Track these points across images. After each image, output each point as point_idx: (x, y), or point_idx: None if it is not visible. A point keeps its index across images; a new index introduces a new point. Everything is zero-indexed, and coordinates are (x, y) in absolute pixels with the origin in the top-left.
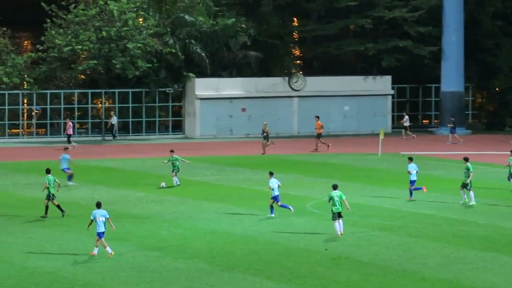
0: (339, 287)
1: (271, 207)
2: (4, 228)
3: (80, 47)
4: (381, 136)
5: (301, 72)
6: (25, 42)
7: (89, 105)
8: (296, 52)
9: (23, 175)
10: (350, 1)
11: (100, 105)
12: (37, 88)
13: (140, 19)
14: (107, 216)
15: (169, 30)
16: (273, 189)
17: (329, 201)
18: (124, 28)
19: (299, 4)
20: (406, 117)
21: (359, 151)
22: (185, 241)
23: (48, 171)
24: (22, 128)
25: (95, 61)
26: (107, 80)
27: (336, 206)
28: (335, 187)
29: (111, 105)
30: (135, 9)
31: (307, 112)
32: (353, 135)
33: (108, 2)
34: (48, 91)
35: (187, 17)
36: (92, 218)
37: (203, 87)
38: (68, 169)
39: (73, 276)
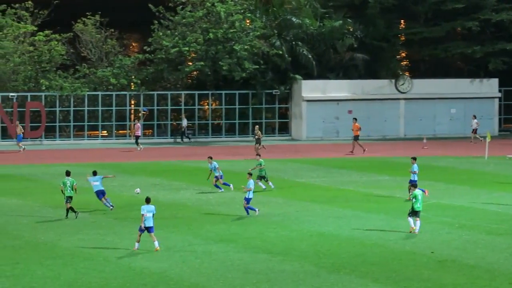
0: None
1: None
2: (111, 229)
3: (187, 48)
4: (488, 139)
5: (407, 75)
6: (133, 43)
7: (196, 106)
8: (402, 54)
9: (130, 176)
10: (457, 4)
11: (207, 106)
12: (144, 89)
13: (247, 21)
14: (154, 211)
15: (276, 32)
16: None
17: (413, 199)
18: (231, 30)
19: (406, 7)
20: (475, 120)
21: (465, 154)
22: (291, 242)
23: (68, 173)
24: (129, 129)
25: (202, 63)
26: (214, 82)
27: (417, 204)
28: (415, 186)
29: (218, 107)
30: (242, 11)
31: (414, 114)
32: (460, 137)
33: (215, 3)
34: (155, 93)
35: (294, 19)
36: (142, 213)
37: (310, 89)
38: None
39: (179, 277)
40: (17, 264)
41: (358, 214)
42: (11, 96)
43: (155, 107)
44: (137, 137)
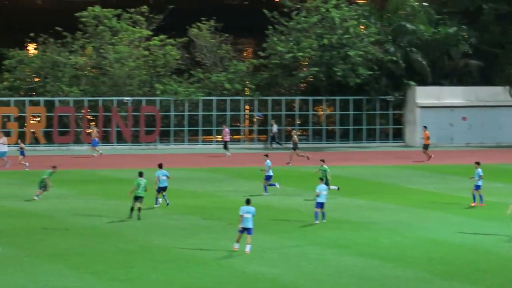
0: None
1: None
2: (224, 234)
3: (301, 54)
4: None
5: None
6: (247, 48)
7: (310, 112)
8: None
9: (244, 181)
10: None
11: (321, 112)
12: (258, 94)
13: (362, 27)
14: (254, 213)
15: (390, 38)
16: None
17: None
18: (346, 36)
19: None
20: None
21: None
22: (404, 249)
23: (140, 174)
24: (243, 134)
25: (317, 68)
26: (328, 87)
27: None
28: None
29: (332, 113)
30: (356, 17)
31: None
32: None
33: (330, 9)
34: (269, 98)
35: (408, 25)
36: (240, 214)
37: (424, 95)
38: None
39: (292, 283)
40: (131, 268)
41: (471, 221)
42: (126, 100)
43: (269, 113)
44: (225, 143)
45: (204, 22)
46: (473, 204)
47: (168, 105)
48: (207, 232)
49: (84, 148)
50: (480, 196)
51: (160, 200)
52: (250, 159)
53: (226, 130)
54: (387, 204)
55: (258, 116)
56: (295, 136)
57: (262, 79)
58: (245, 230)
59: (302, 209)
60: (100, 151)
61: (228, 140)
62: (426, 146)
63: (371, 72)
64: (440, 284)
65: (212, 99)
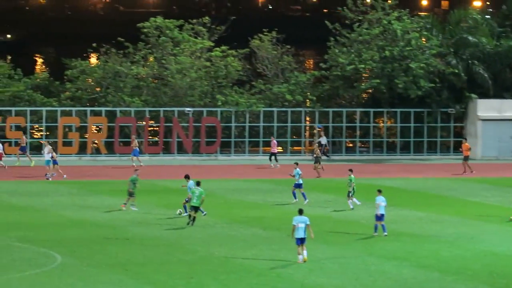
0: None
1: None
2: (284, 245)
3: (363, 66)
4: None
5: None
6: (308, 60)
7: (371, 124)
8: None
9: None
10: None
11: (382, 124)
12: (319, 106)
13: (423, 39)
14: (308, 223)
15: (452, 50)
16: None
17: None
18: (407, 48)
19: None
20: None
21: None
22: (465, 262)
23: (198, 184)
24: (304, 146)
25: (378, 80)
26: (389, 100)
27: None
28: None
29: (393, 125)
30: (418, 29)
31: None
32: None
33: (392, 21)
34: (330, 109)
35: (470, 37)
36: (293, 224)
37: (485, 108)
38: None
39: None
40: (191, 278)
41: None
42: (187, 111)
43: (330, 124)
44: (272, 154)
45: (266, 33)
46: None
47: (229, 116)
48: (266, 243)
49: (146, 158)
50: None
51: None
52: (310, 170)
53: (274, 141)
54: (447, 217)
55: (319, 128)
56: (318, 150)
57: (323, 91)
58: (301, 240)
59: (363, 221)
60: (141, 162)
61: (276, 152)
62: (466, 158)
63: (433, 85)
64: None
65: (273, 110)
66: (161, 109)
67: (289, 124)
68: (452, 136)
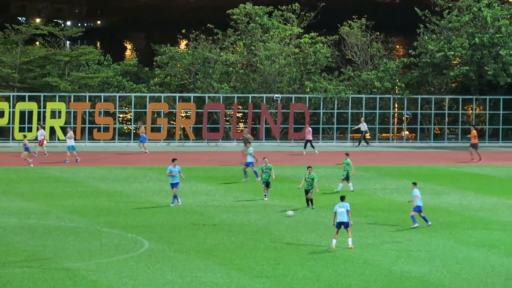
0: None
1: (413, 217)
2: (372, 231)
3: (452, 53)
4: None
5: None
6: (398, 46)
7: (460, 111)
8: None
9: (392, 180)
10: None
11: (471, 111)
12: (408, 93)
13: None
14: (348, 208)
15: None
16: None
17: None
18: (497, 35)
19: None
20: None
21: None
22: None
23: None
24: (392, 133)
25: (467, 68)
26: (478, 87)
27: None
28: None
29: (482, 112)
30: (508, 16)
31: None
32: None
33: (482, 8)
34: (419, 96)
35: None
36: (334, 211)
37: None
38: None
39: (439, 282)
40: (278, 264)
41: None
42: (276, 97)
43: (419, 111)
44: (308, 141)
45: (355, 20)
46: None
47: (318, 102)
48: (354, 230)
49: (233, 145)
50: None
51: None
52: (398, 157)
53: (309, 129)
54: None
55: (407, 115)
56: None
57: (412, 78)
58: (342, 224)
59: (451, 208)
60: (147, 150)
61: (311, 139)
62: (474, 145)
63: None
64: None
65: (361, 97)
66: (250, 95)
67: (377, 111)
68: None
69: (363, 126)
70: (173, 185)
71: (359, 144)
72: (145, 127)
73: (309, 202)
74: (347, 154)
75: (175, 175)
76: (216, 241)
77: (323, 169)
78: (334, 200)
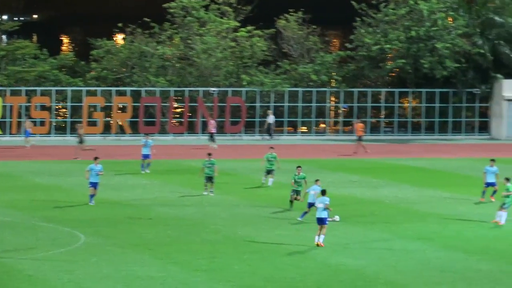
0: None
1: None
2: (308, 225)
3: (389, 46)
4: None
5: None
6: (334, 40)
7: (396, 104)
8: None
9: (328, 173)
10: None
11: (407, 104)
12: (344, 86)
13: (450, 19)
14: (326, 202)
15: (478, 30)
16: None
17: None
18: (433, 28)
19: None
20: None
21: None
22: (489, 242)
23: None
24: (328, 126)
25: (404, 61)
26: (414, 80)
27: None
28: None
29: (418, 105)
30: (444, 9)
31: None
32: None
33: (418, 1)
34: (355, 90)
35: (497, 18)
36: (315, 205)
37: (511, 88)
38: None
39: (375, 275)
40: (214, 258)
41: None
42: (212, 91)
43: (355, 104)
44: (211, 134)
45: (292, 13)
46: None
47: (254, 96)
48: (291, 223)
49: (169, 138)
50: None
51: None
52: (335, 150)
53: (212, 122)
54: (472, 197)
55: (344, 108)
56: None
57: (348, 71)
58: (320, 220)
59: (387, 201)
60: (32, 143)
61: (215, 132)
62: (359, 138)
63: (458, 65)
64: None
65: (298, 90)
66: (186, 89)
67: (313, 104)
68: (477, 116)
69: (270, 119)
70: (93, 184)
71: (271, 137)
72: (31, 122)
73: (292, 203)
74: (272, 148)
75: (96, 174)
76: (152, 235)
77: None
78: (270, 193)
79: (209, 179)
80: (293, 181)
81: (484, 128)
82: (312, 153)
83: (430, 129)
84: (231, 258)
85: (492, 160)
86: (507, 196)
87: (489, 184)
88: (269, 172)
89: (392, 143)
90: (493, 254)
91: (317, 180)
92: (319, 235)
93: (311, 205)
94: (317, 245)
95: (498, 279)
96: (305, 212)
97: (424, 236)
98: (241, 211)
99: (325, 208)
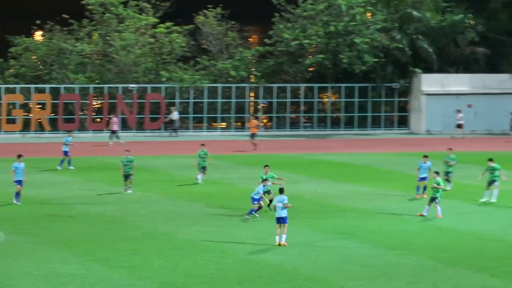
0: None
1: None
2: (229, 221)
3: (307, 41)
4: None
5: None
6: (253, 36)
7: (315, 99)
8: None
9: (249, 169)
10: None
11: (326, 99)
12: (263, 81)
13: (368, 14)
14: (285, 201)
15: (397, 25)
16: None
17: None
18: (352, 23)
19: None
20: (460, 114)
21: None
22: (409, 236)
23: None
24: (248, 121)
25: (323, 56)
26: (333, 75)
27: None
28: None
29: (337, 100)
30: (363, 4)
31: None
32: None
33: None
34: (275, 85)
35: (415, 12)
36: (274, 204)
37: (430, 82)
38: None
39: (296, 270)
40: (134, 254)
41: (476, 208)
42: (131, 87)
43: (275, 100)
44: (113, 131)
45: (210, 9)
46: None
47: (174, 92)
48: (211, 219)
49: (89, 135)
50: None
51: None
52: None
53: (114, 119)
54: (391, 191)
55: (263, 103)
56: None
57: (267, 67)
58: (280, 219)
59: (307, 196)
60: None
61: (117, 129)
62: (253, 135)
63: (377, 60)
64: (444, 271)
65: (217, 86)
66: (106, 85)
67: (233, 100)
68: (396, 110)
69: (174, 115)
70: (18, 182)
71: (176, 134)
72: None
73: (271, 202)
74: (203, 145)
75: (20, 172)
76: (73, 232)
77: (178, 159)
78: (190, 189)
79: (127, 176)
80: (260, 180)
81: (403, 122)
82: (230, 149)
83: (349, 124)
84: (152, 255)
85: (425, 156)
86: (437, 190)
87: (422, 179)
88: (203, 168)
89: (312, 138)
90: (413, 249)
91: (265, 180)
92: (279, 235)
93: (255, 200)
94: (279, 245)
95: (418, 273)
96: (252, 210)
97: (344, 231)
98: (161, 207)
99: (284, 207)
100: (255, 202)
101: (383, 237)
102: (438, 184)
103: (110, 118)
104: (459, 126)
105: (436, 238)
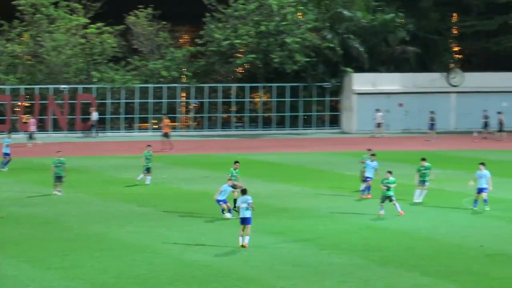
0: (494, 284)
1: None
2: (161, 221)
3: (239, 41)
4: None
5: (459, 68)
6: (184, 36)
7: (247, 99)
8: (455, 47)
9: (181, 169)
10: None
11: (258, 99)
12: (195, 81)
13: (299, 14)
14: (249, 201)
15: (327, 24)
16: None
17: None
18: (283, 23)
19: (459, 0)
20: (379, 113)
21: None
22: (340, 236)
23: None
24: (179, 122)
25: (254, 56)
26: (265, 75)
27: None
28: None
29: (269, 99)
30: (294, 4)
31: (465, 108)
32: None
33: None
34: (206, 85)
35: (345, 12)
36: (237, 204)
37: (361, 82)
38: None
39: (228, 270)
40: (66, 256)
41: (407, 207)
42: (62, 88)
43: (206, 100)
44: (30, 133)
45: (141, 9)
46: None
47: (105, 92)
48: (142, 219)
49: (20, 136)
50: None
51: None
52: (186, 146)
53: (32, 120)
54: (323, 191)
55: (195, 103)
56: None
57: (199, 67)
58: (244, 220)
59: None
60: None
61: (34, 130)
62: (166, 135)
63: (308, 59)
64: (376, 270)
65: (148, 87)
66: (37, 86)
67: (164, 100)
68: (328, 110)
69: (94, 116)
70: None
71: (97, 134)
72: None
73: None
74: (150, 146)
75: None
76: (4, 233)
77: (109, 159)
78: (122, 190)
79: (59, 178)
80: (229, 175)
81: (334, 121)
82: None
83: (281, 123)
84: (84, 256)
85: (373, 154)
86: (388, 189)
87: (367, 179)
88: (148, 170)
89: (243, 138)
90: (344, 248)
91: (230, 180)
92: (243, 236)
93: (220, 201)
94: (242, 246)
95: (350, 272)
96: (223, 209)
97: (276, 231)
98: (93, 208)
99: (248, 208)
100: (221, 203)
101: (315, 236)
102: (390, 183)
103: (28, 119)
104: (378, 125)
105: (367, 237)
